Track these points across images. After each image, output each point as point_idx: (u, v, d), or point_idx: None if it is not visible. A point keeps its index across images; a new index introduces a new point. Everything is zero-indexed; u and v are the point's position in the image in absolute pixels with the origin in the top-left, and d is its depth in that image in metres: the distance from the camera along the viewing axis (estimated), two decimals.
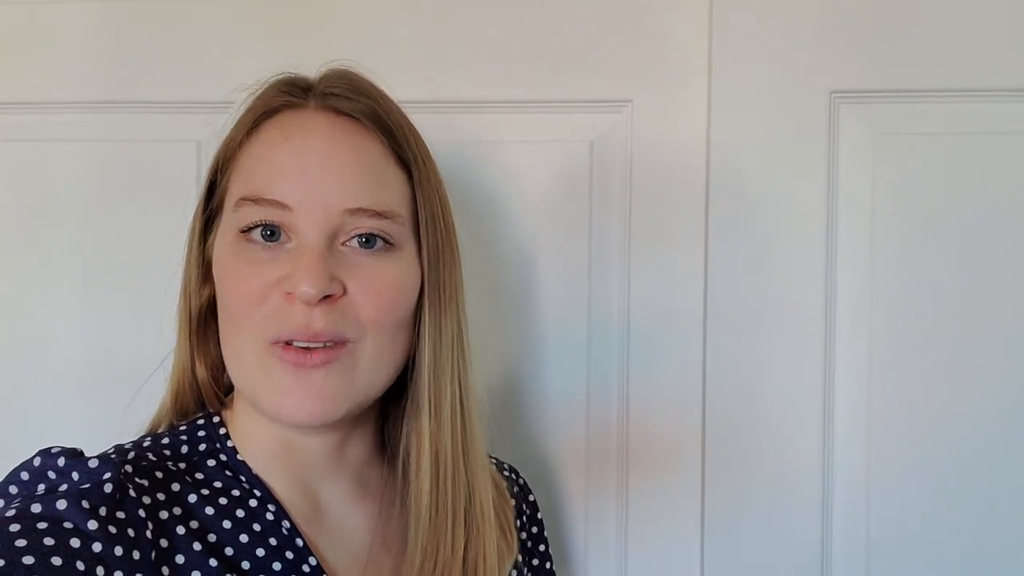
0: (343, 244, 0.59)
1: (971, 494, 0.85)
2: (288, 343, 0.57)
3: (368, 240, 0.59)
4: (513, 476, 0.78)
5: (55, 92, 0.91)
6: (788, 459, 0.86)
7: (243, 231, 0.58)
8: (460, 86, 0.88)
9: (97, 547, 0.49)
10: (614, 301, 0.88)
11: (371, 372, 0.59)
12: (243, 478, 0.60)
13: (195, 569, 0.54)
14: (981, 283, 0.85)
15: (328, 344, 0.57)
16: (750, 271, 0.86)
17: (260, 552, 0.57)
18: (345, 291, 0.58)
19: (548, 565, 0.79)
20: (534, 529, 0.78)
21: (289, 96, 0.61)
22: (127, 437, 0.67)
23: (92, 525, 0.49)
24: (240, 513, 0.58)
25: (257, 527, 0.58)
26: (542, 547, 0.79)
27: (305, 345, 0.57)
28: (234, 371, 0.60)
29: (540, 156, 0.88)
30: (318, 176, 0.57)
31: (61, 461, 0.52)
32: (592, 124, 0.88)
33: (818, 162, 0.86)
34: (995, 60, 0.85)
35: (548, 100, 0.88)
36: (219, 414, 0.64)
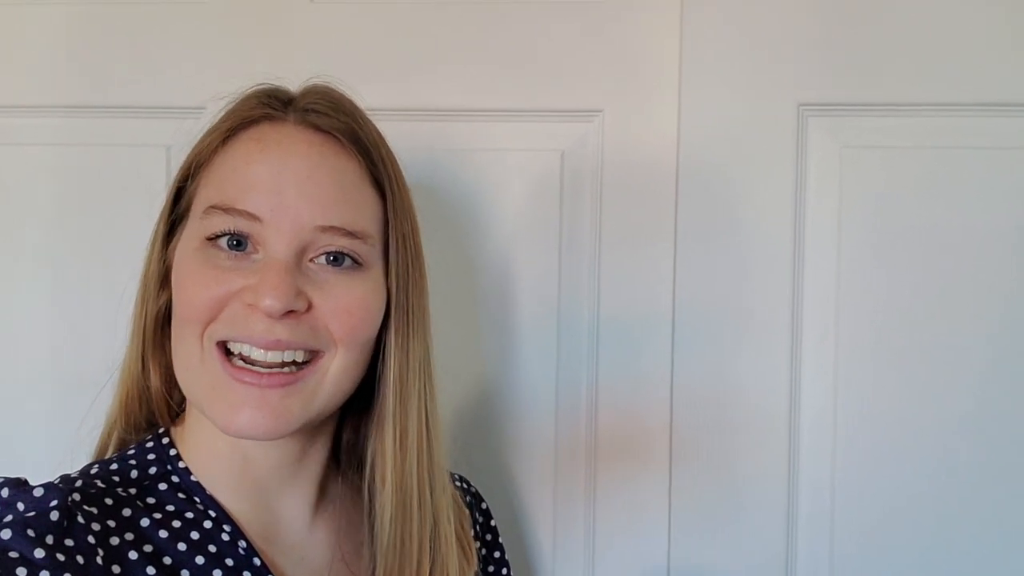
0: (311, 261, 0.58)
1: (934, 497, 0.86)
2: (237, 361, 0.56)
3: (336, 258, 0.58)
4: (465, 486, 0.78)
5: (25, 96, 0.90)
6: (754, 460, 0.87)
7: (210, 238, 0.57)
8: (434, 95, 0.88)
9: (45, 575, 0.49)
10: (584, 305, 0.88)
11: (331, 390, 0.59)
12: (197, 499, 0.60)
13: None
14: (945, 292, 0.86)
15: (291, 367, 0.57)
16: (719, 279, 0.87)
17: (217, 573, 0.57)
18: (310, 307, 0.57)
19: (504, 571, 0.79)
20: (488, 537, 0.79)
21: (268, 108, 0.60)
22: (88, 445, 0.66)
23: (39, 553, 0.49)
24: (195, 535, 0.58)
25: (213, 548, 0.58)
26: (497, 553, 0.79)
27: (262, 357, 0.56)
28: (182, 377, 0.59)
29: (512, 165, 0.88)
30: (293, 191, 0.57)
31: (5, 492, 0.52)
32: (563, 134, 0.88)
33: (786, 173, 0.86)
34: (961, 75, 0.85)
35: (520, 110, 0.88)
36: (168, 433, 0.63)
